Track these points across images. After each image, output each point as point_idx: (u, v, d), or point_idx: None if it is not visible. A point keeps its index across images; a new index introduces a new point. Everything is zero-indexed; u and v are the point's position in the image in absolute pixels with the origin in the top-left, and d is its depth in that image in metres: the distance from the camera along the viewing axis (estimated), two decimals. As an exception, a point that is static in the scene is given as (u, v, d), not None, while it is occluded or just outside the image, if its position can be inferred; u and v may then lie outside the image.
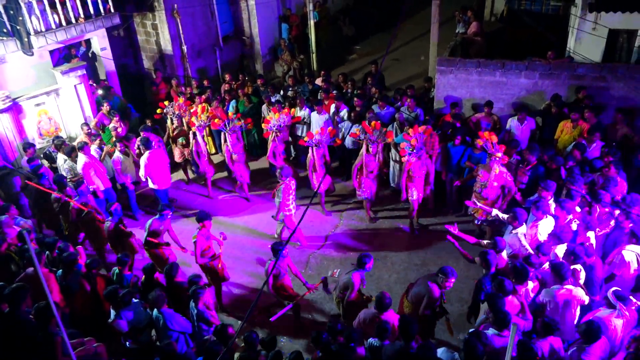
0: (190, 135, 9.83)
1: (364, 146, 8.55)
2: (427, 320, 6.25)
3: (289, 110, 9.62)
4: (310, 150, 8.96)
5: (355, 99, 9.99)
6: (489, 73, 9.39)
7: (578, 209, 6.92)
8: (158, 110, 10.05)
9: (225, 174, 10.84)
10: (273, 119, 9.25)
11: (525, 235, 6.70)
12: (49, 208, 8.38)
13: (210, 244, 7.35)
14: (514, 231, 6.70)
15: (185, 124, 10.06)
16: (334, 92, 10.55)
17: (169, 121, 10.08)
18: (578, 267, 6.04)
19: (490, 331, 5.30)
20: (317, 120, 9.87)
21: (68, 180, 8.61)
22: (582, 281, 6.00)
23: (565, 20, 11.91)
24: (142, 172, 9.08)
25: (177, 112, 9.95)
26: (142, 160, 8.96)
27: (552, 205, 6.93)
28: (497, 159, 7.52)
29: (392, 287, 7.80)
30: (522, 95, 9.42)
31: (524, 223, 6.74)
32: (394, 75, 12.62)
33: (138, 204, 9.79)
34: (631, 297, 5.52)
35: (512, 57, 9.60)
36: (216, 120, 9.44)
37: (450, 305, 7.42)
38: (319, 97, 10.41)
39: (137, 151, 9.40)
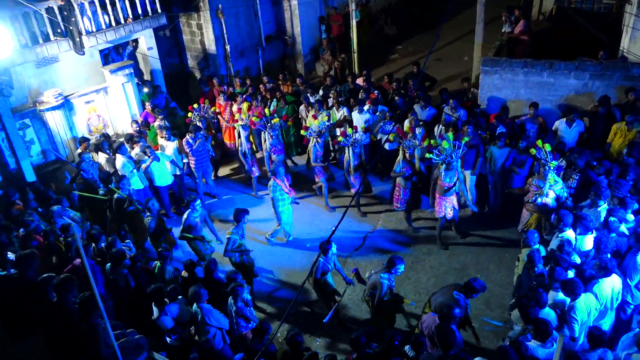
0: (235, 134, 10.05)
1: (401, 152, 8.39)
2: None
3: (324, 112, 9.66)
4: (346, 151, 8.94)
5: (396, 97, 9.87)
6: (536, 73, 9.11)
7: (631, 217, 6.57)
8: (189, 114, 10.20)
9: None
10: (313, 125, 9.17)
11: (570, 241, 6.42)
12: (95, 202, 8.63)
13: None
14: (559, 235, 6.43)
15: (211, 127, 10.38)
16: (375, 92, 10.45)
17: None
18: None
19: (533, 342, 5.09)
20: (358, 120, 9.78)
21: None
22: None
23: (618, 19, 11.38)
24: None
25: (202, 115, 10.16)
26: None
27: (603, 213, 6.62)
28: (552, 167, 7.20)
29: (430, 291, 7.57)
30: (571, 97, 9.07)
31: (571, 227, 6.46)
32: (435, 76, 12.39)
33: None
34: None
35: (561, 57, 9.26)
36: (254, 118, 9.49)
37: (491, 312, 7.25)
38: (359, 97, 10.32)
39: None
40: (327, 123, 9.41)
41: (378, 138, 9.60)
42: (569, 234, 6.42)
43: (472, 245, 8.59)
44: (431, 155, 7.64)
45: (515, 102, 9.47)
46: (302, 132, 9.34)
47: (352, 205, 9.46)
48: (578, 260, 6.21)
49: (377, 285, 6.22)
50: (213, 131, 10.67)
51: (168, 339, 6.18)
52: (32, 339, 5.91)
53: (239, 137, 9.90)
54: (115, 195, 8.19)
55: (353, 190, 9.39)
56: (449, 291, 5.85)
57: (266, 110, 9.63)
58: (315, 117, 9.31)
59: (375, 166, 10.23)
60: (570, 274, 5.91)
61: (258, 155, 10.48)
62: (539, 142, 7.35)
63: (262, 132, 9.60)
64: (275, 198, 8.28)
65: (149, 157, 9.00)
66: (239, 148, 9.98)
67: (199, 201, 7.80)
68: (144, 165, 9.00)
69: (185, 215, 7.76)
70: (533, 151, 7.39)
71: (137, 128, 10.01)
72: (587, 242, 6.41)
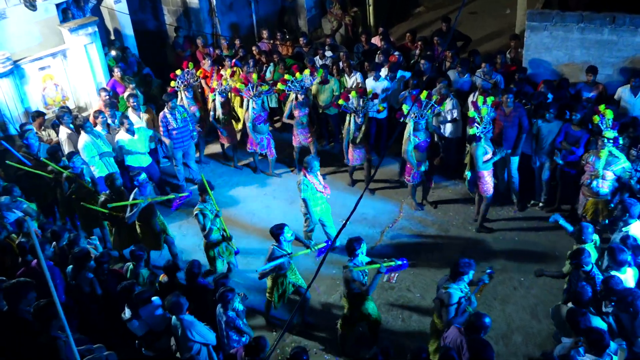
0: (210, 98, 10.45)
1: (411, 124, 8.44)
2: None
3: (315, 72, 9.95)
4: (347, 118, 9.17)
5: (422, 61, 9.78)
6: (595, 30, 8.98)
7: None
8: (172, 83, 10.26)
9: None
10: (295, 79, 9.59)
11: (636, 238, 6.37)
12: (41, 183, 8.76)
13: None
14: (624, 229, 6.37)
15: (198, 97, 10.64)
16: (396, 53, 10.33)
17: (180, 93, 10.25)
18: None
19: (587, 358, 5.07)
20: (374, 87, 9.69)
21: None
22: None
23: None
24: None
25: (188, 83, 10.27)
26: None
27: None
28: (609, 139, 7.16)
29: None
30: (638, 59, 8.94)
31: (638, 219, 6.41)
32: (469, 33, 12.25)
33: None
34: None
35: (626, 9, 9.11)
36: (238, 84, 9.73)
37: (537, 323, 7.24)
38: (376, 61, 10.21)
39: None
40: (311, 79, 9.74)
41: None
42: (636, 227, 6.34)
43: (515, 241, 8.57)
44: (475, 131, 7.89)
45: (568, 65, 9.36)
46: (280, 85, 9.67)
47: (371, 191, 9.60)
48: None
49: (348, 278, 6.42)
50: (199, 103, 10.71)
51: (143, 349, 6.24)
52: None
53: (213, 101, 10.30)
54: (64, 174, 8.34)
55: (349, 163, 9.63)
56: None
57: (254, 76, 9.82)
58: (296, 70, 9.81)
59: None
60: (630, 271, 5.86)
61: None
62: (602, 107, 7.36)
63: (246, 99, 9.86)
64: (307, 198, 8.13)
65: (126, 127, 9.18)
66: (211, 113, 10.41)
67: (144, 175, 8.04)
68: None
69: (132, 196, 7.92)
70: (596, 118, 7.36)
71: (107, 97, 9.93)
72: None
